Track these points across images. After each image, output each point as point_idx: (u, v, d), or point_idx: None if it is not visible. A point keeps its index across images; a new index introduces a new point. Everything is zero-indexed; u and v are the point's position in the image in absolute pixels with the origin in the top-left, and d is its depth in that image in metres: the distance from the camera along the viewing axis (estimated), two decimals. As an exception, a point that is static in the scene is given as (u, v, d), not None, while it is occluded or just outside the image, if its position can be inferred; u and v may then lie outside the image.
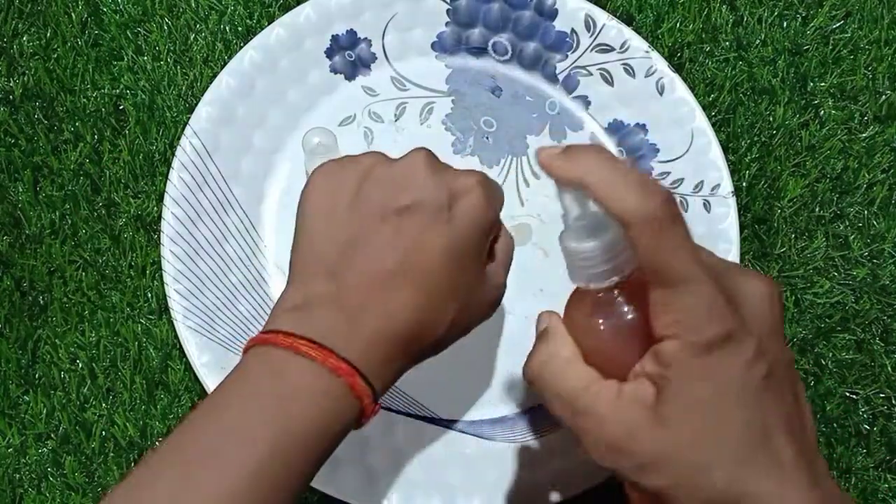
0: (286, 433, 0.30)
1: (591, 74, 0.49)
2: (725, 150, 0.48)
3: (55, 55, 0.50)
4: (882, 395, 0.47)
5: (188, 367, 0.46)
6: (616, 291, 0.31)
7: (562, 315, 0.34)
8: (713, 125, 0.48)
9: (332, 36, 0.49)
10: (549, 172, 0.30)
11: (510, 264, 0.38)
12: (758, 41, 0.51)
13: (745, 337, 0.28)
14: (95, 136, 0.49)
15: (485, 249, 0.36)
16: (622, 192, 0.28)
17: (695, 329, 0.28)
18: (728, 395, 0.28)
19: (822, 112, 0.50)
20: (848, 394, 0.47)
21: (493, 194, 0.36)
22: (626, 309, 0.31)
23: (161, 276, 0.45)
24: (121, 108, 0.50)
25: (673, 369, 0.29)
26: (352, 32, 0.49)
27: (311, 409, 0.31)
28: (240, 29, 0.51)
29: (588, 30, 0.49)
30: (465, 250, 0.34)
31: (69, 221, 0.48)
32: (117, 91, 0.50)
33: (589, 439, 0.31)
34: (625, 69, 0.49)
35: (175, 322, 0.44)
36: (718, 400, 0.29)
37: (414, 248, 0.33)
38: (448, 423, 0.46)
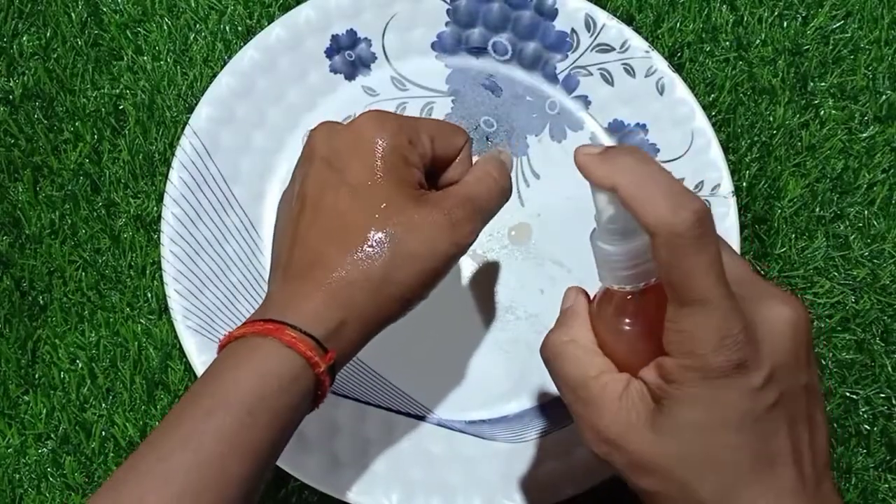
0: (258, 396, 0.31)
1: (591, 74, 0.49)
2: (725, 150, 0.48)
3: (55, 55, 0.50)
4: (882, 395, 0.47)
5: (188, 367, 0.46)
6: (641, 295, 0.31)
7: (591, 296, 0.34)
8: (713, 125, 0.48)
9: (332, 36, 0.49)
10: (583, 173, 0.29)
11: (488, 196, 0.37)
12: (758, 41, 0.51)
13: (756, 366, 0.28)
14: (95, 136, 0.49)
15: (403, 177, 0.35)
16: (652, 200, 0.27)
17: (699, 354, 0.28)
18: (726, 421, 0.28)
19: (823, 112, 0.50)
20: (848, 394, 0.47)
21: (381, 120, 0.35)
22: (649, 314, 0.30)
23: (161, 276, 0.45)
24: (121, 108, 0.50)
25: (673, 386, 0.28)
26: (352, 32, 0.49)
27: (270, 371, 0.32)
28: (240, 29, 0.51)
29: (588, 30, 0.49)
30: (359, 185, 0.34)
31: (69, 221, 0.48)
32: (117, 91, 0.50)
33: (586, 427, 0.31)
34: (625, 69, 0.49)
35: (175, 322, 0.44)
36: (715, 425, 0.28)
37: (314, 205, 0.35)
38: (448, 423, 0.46)
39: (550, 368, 0.33)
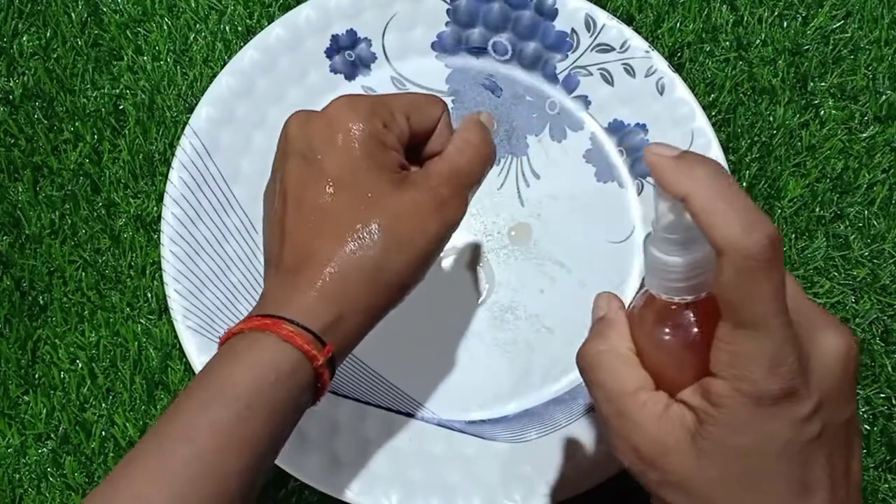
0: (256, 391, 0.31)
1: (591, 74, 0.49)
2: (725, 150, 0.48)
3: (55, 55, 0.50)
4: (882, 395, 0.47)
5: (188, 367, 0.46)
6: (689, 308, 0.30)
7: (623, 302, 0.33)
8: (713, 125, 0.48)
9: (332, 36, 0.49)
10: (653, 174, 0.28)
11: (470, 167, 0.36)
12: (758, 41, 0.51)
13: (806, 396, 0.28)
14: (95, 136, 0.49)
15: (383, 163, 0.34)
16: (724, 217, 0.26)
17: (750, 379, 0.27)
18: (771, 448, 0.28)
19: (823, 112, 0.50)
20: (848, 394, 0.47)
21: (352, 105, 0.35)
22: (694, 328, 0.30)
23: (161, 276, 0.45)
24: (121, 107, 0.50)
25: (719, 410, 0.28)
26: (352, 32, 0.49)
27: (266, 364, 0.32)
28: (240, 29, 0.51)
29: (588, 30, 0.49)
30: (340, 176, 0.34)
31: (69, 221, 0.48)
32: (117, 91, 0.50)
33: (621, 442, 0.31)
34: (625, 69, 0.49)
35: (175, 322, 0.44)
36: (759, 452, 0.28)
37: (297, 203, 0.34)
38: (448, 423, 0.46)
39: (587, 378, 0.33)
